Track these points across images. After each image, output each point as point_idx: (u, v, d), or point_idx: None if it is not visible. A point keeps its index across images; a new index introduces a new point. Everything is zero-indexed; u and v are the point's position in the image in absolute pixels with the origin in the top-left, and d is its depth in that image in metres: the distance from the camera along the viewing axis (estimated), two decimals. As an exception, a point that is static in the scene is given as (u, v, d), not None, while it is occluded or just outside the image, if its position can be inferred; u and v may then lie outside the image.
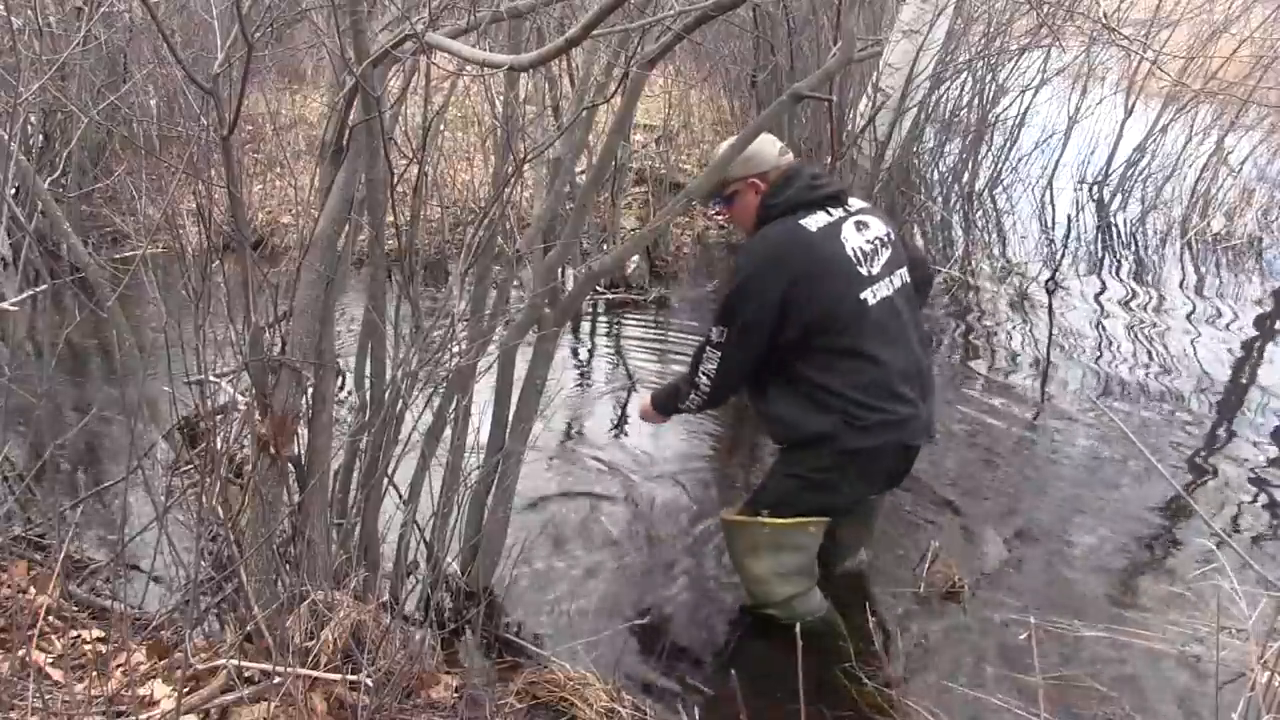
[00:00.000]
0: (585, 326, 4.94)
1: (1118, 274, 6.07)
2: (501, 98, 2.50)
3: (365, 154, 1.98)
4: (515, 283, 2.55)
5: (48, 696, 1.70)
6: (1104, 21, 4.24)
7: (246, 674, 1.87)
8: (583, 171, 3.37)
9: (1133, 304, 5.48)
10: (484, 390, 2.54)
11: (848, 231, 2.35)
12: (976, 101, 6.97)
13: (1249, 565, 2.30)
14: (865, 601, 2.69)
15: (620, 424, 3.81)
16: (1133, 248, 6.74)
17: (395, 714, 1.90)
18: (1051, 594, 2.76)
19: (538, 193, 2.73)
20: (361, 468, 2.26)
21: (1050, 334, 4.75)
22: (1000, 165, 7.60)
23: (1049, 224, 7.19)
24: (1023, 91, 6.94)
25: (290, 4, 3.47)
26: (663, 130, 7.15)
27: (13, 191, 3.65)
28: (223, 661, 1.89)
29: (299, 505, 2.11)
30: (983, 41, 6.24)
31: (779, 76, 5.26)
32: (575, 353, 4.59)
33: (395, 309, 2.29)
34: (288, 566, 2.13)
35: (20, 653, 1.82)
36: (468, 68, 1.81)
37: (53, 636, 2.10)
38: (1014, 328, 5.02)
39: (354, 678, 1.84)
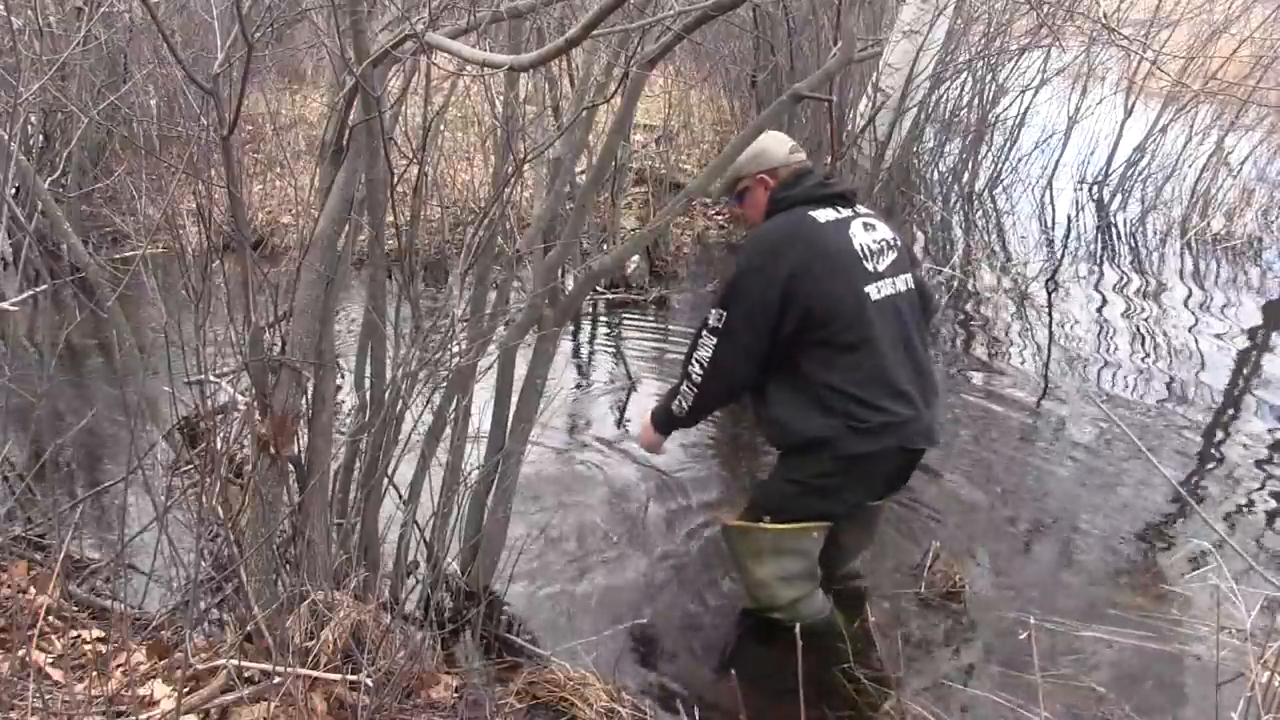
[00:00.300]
0: (585, 326, 4.94)
1: (1117, 274, 6.07)
2: (501, 98, 2.50)
3: (365, 154, 1.98)
4: (515, 283, 2.55)
5: (48, 696, 1.70)
6: (1104, 21, 4.24)
7: (246, 674, 1.87)
8: (583, 171, 3.37)
9: (1133, 304, 5.48)
10: (484, 390, 2.54)
11: (855, 228, 2.35)
12: (976, 101, 6.98)
13: (1249, 565, 2.31)
14: (865, 602, 2.70)
15: (620, 424, 3.81)
16: (1133, 248, 6.74)
17: (395, 714, 1.90)
18: (1051, 594, 2.76)
19: (538, 193, 2.73)
20: (361, 468, 2.26)
21: (1050, 334, 4.75)
22: (1000, 165, 7.61)
23: (1049, 224, 7.19)
24: (1023, 91, 6.94)
25: (290, 4, 3.47)
26: (663, 130, 7.15)
27: (13, 191, 3.65)
28: (223, 661, 1.89)
29: (299, 505, 2.11)
30: (983, 41, 6.24)
31: (779, 76, 5.26)
32: (575, 353, 4.59)
33: (395, 309, 2.28)
34: (288, 566, 2.13)
35: (20, 653, 1.82)
36: (468, 68, 1.81)
37: (53, 636, 2.10)
38: (1014, 327, 5.02)
39: (354, 678, 1.84)
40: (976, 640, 2.57)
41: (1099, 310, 5.36)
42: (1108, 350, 4.70)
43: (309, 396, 2.11)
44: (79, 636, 2.12)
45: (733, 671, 2.42)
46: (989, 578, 2.83)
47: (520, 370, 2.52)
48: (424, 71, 2.27)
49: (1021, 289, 5.63)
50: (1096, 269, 6.13)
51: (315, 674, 1.83)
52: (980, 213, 7.38)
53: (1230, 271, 6.25)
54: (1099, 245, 6.72)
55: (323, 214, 1.99)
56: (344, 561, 2.18)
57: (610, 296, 5.17)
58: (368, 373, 2.29)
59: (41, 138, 5.17)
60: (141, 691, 1.85)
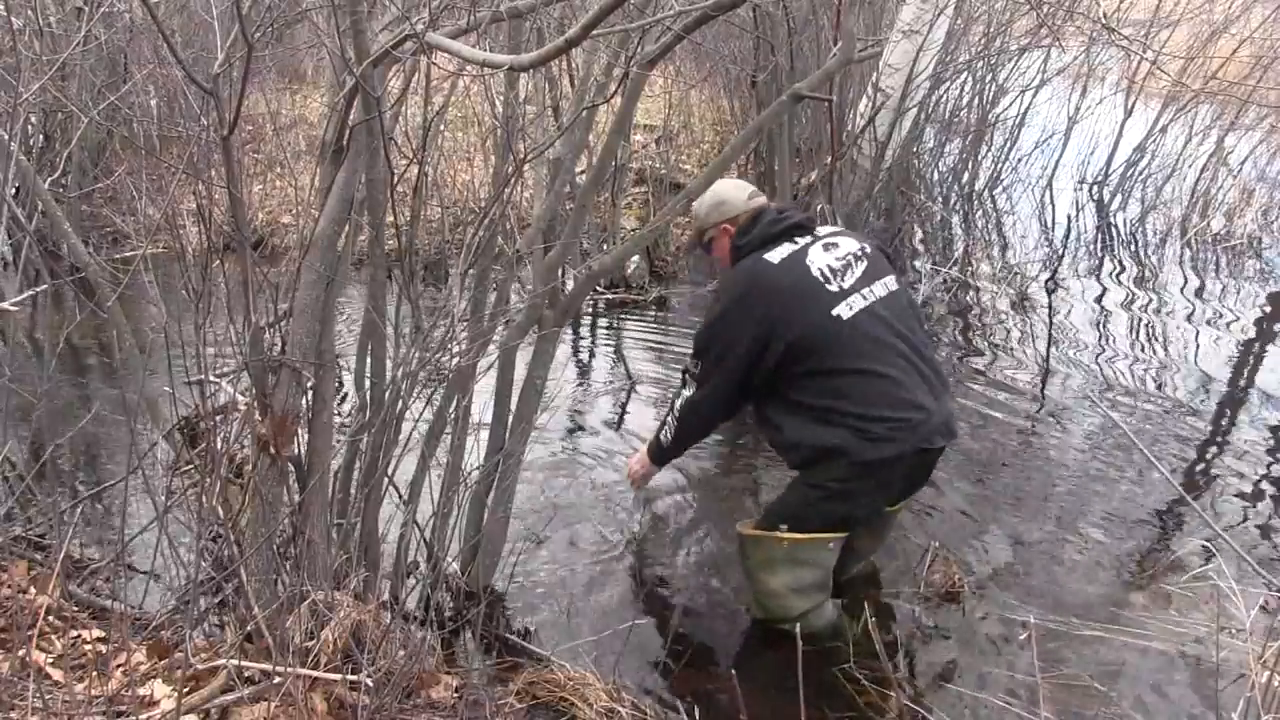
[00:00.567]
0: (585, 326, 4.94)
1: (1117, 274, 6.07)
2: (501, 98, 2.50)
3: (365, 154, 1.98)
4: (515, 283, 2.56)
5: (48, 696, 1.70)
6: (1104, 21, 4.24)
7: (246, 674, 1.87)
8: (583, 171, 3.37)
9: (1132, 304, 5.48)
10: (484, 390, 2.54)
11: (814, 254, 2.40)
12: (976, 101, 6.98)
13: (1249, 565, 2.31)
14: (865, 602, 2.69)
15: (620, 424, 3.81)
16: (1133, 248, 6.75)
17: (395, 714, 1.90)
18: (1051, 594, 2.76)
19: (538, 193, 2.73)
20: (361, 468, 2.26)
21: (1050, 334, 4.75)
22: (1000, 165, 7.61)
23: (1049, 224, 7.19)
24: (1023, 91, 6.94)
25: (290, 4, 3.47)
26: (663, 130, 7.15)
27: (13, 191, 3.65)
28: (223, 661, 1.89)
29: (299, 505, 2.11)
30: (983, 41, 6.24)
31: (779, 76, 5.25)
32: (575, 353, 4.60)
33: (395, 309, 2.28)
34: (288, 566, 2.13)
35: (20, 653, 1.82)
36: (468, 68, 1.81)
37: (53, 636, 2.09)
38: (1014, 328, 5.02)
39: (354, 678, 1.84)
40: (976, 640, 2.57)
41: (1099, 310, 5.36)
42: (1107, 350, 4.70)
43: (309, 396, 2.11)
44: (79, 636, 2.11)
45: (733, 671, 2.42)
46: (989, 578, 2.83)
47: (520, 370, 2.52)
48: (424, 71, 2.27)
49: (1021, 289, 5.63)
50: (1096, 269, 6.13)
51: (315, 674, 1.83)
52: (980, 213, 7.38)
53: (1230, 271, 6.25)
54: (1099, 245, 6.72)
55: (323, 214, 1.99)
56: (344, 561, 2.18)
57: (610, 296, 5.17)
58: (368, 373, 2.29)
59: (41, 138, 5.17)
60: (141, 691, 1.85)
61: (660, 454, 2.67)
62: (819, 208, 5.10)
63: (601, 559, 2.91)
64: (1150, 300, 5.55)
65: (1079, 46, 6.90)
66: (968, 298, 5.49)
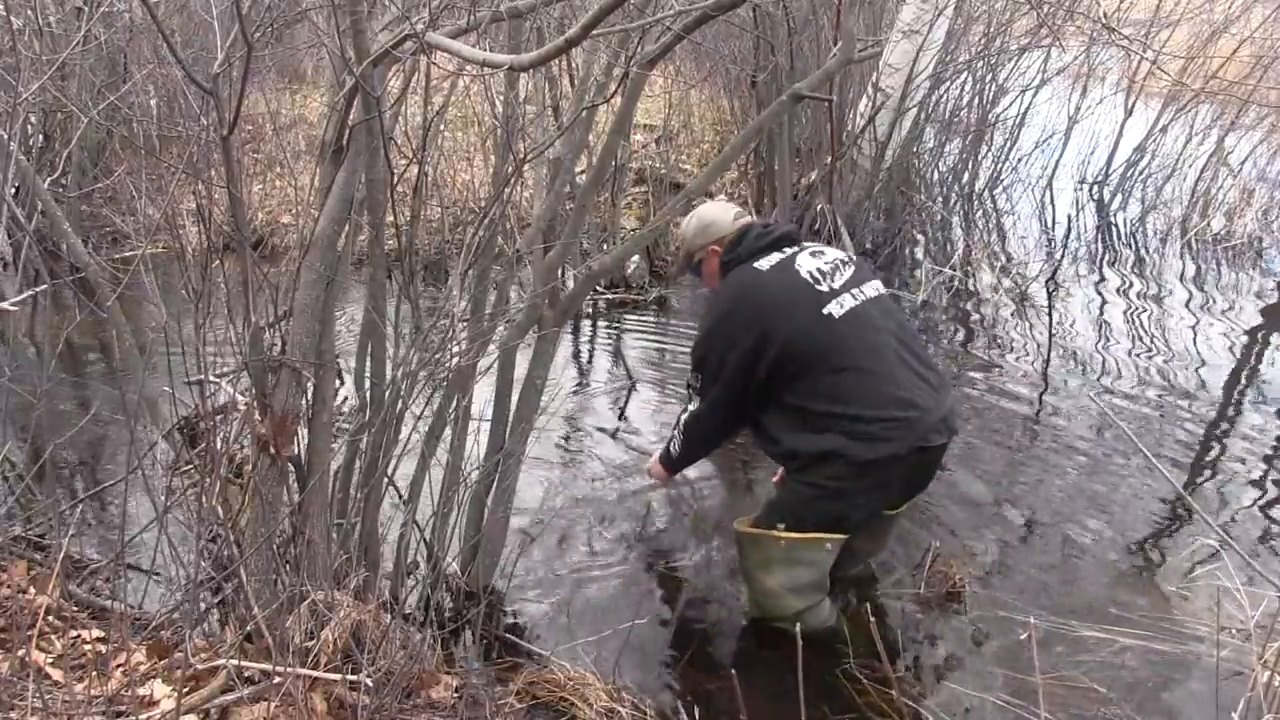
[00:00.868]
0: (585, 326, 4.94)
1: (1117, 274, 6.07)
2: (501, 98, 2.50)
3: (365, 154, 1.98)
4: (515, 283, 2.56)
5: (48, 696, 1.70)
6: (1104, 21, 4.24)
7: (246, 674, 1.87)
8: (583, 171, 3.37)
9: (1133, 304, 5.48)
10: (484, 390, 2.54)
11: (802, 259, 2.45)
12: (976, 101, 6.98)
13: (1249, 565, 2.31)
14: (865, 602, 2.70)
15: (620, 424, 3.81)
16: (1133, 247, 6.75)
17: (395, 714, 1.90)
18: (1051, 594, 2.76)
19: (538, 193, 2.73)
20: (361, 468, 2.26)
21: (1050, 334, 4.75)
22: (1000, 165, 7.60)
23: (1049, 224, 7.19)
24: (1023, 91, 6.94)
25: (290, 4, 3.47)
26: (663, 130, 7.15)
27: (13, 191, 3.65)
28: (223, 661, 1.89)
29: (299, 505, 2.11)
30: (983, 41, 6.24)
31: (779, 76, 5.25)
32: (575, 353, 4.60)
33: (395, 309, 2.28)
34: (288, 566, 2.13)
35: (20, 653, 1.82)
36: (468, 68, 1.81)
37: (53, 636, 2.09)
38: (1014, 327, 5.02)
39: (354, 678, 1.84)
40: (976, 640, 2.57)
41: (1099, 310, 5.36)
42: (1108, 350, 4.70)
43: (309, 396, 2.11)
44: (79, 636, 2.11)
45: (733, 671, 2.42)
46: (989, 578, 2.83)
47: (520, 370, 2.52)
48: (424, 71, 2.27)
49: (1021, 289, 5.63)
50: (1096, 269, 6.13)
51: (315, 674, 1.83)
52: (980, 213, 7.38)
53: (1230, 271, 6.25)
54: (1099, 245, 6.72)
55: (323, 214, 1.99)
56: (344, 561, 2.18)
57: (610, 296, 5.17)
58: (368, 373, 2.29)
59: (41, 138, 5.17)
60: (141, 691, 1.85)
61: (671, 464, 2.72)
62: (819, 207, 5.10)
63: (601, 559, 2.91)
64: (1150, 300, 5.55)
65: (1079, 46, 6.90)
66: (968, 298, 5.49)
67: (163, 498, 2.28)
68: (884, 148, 5.41)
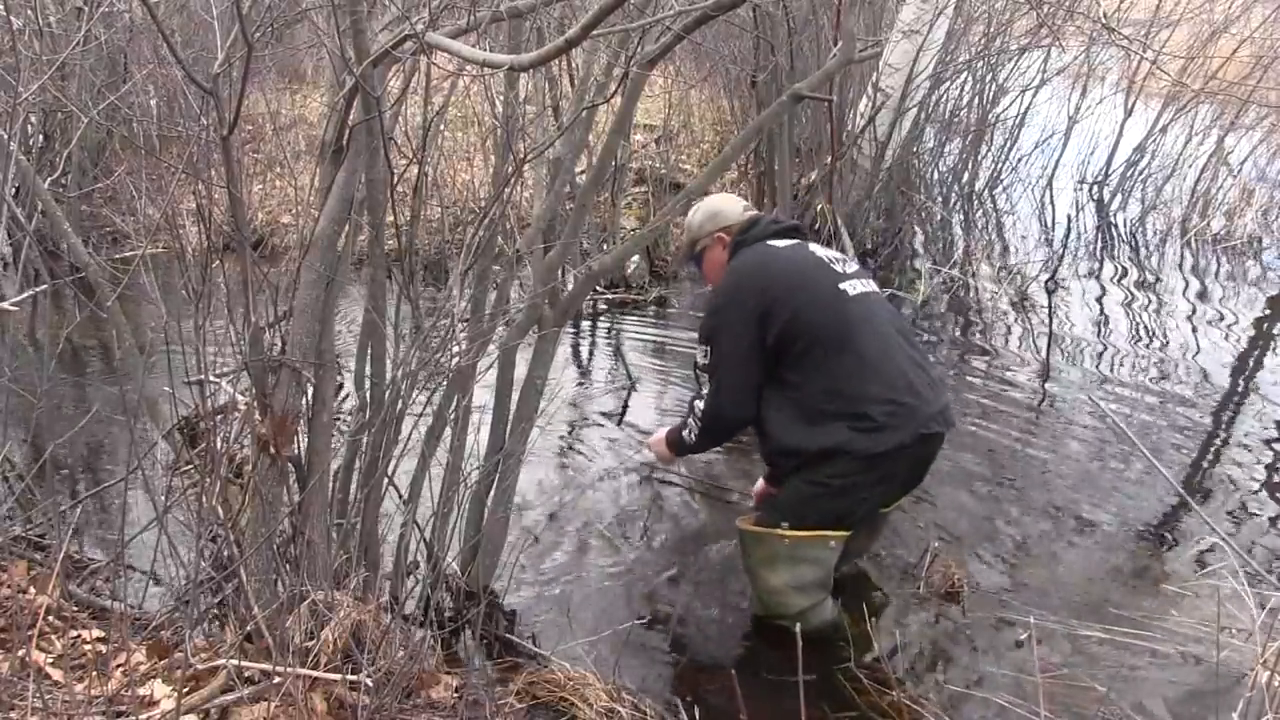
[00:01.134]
0: (585, 326, 4.94)
1: (1118, 274, 6.07)
2: (501, 98, 2.50)
3: (365, 154, 1.98)
4: (515, 283, 2.56)
5: (48, 696, 1.70)
6: (1104, 21, 4.24)
7: (246, 674, 1.87)
8: (583, 171, 3.37)
9: (1133, 304, 5.48)
10: (484, 390, 2.54)
11: (813, 247, 2.51)
12: (976, 101, 6.98)
13: (1249, 565, 2.31)
14: (865, 602, 2.69)
15: (620, 424, 3.81)
16: (1133, 248, 6.75)
17: (395, 714, 1.90)
18: (1051, 594, 2.76)
19: (538, 193, 2.73)
20: (361, 468, 2.26)
21: (1050, 334, 4.75)
22: (1000, 165, 7.61)
23: (1049, 224, 7.19)
24: (1023, 91, 6.94)
25: (290, 4, 3.47)
26: (663, 130, 7.15)
27: (13, 191, 3.65)
28: (223, 661, 1.89)
29: (299, 505, 2.11)
30: (983, 41, 6.24)
31: (779, 76, 5.26)
32: (575, 353, 4.60)
33: (395, 309, 2.28)
34: (288, 566, 2.13)
35: (20, 653, 1.82)
36: (468, 68, 1.81)
37: (53, 636, 2.09)
38: (1014, 328, 5.02)
39: (354, 678, 1.84)
40: (976, 640, 2.57)
41: (1099, 310, 5.36)
42: (1107, 350, 4.70)
43: (309, 396, 2.11)
44: (79, 636, 2.11)
45: (733, 671, 2.42)
46: (989, 578, 2.83)
47: (520, 370, 2.52)
48: (424, 71, 2.27)
49: (1021, 289, 5.63)
50: (1097, 269, 6.13)
51: (315, 674, 1.83)
52: (980, 213, 7.38)
53: (1230, 271, 6.25)
54: (1099, 245, 6.72)
55: (323, 214, 1.99)
56: (344, 561, 2.18)
57: (610, 296, 5.17)
58: (368, 373, 2.29)
59: (41, 138, 5.17)
60: (141, 691, 1.85)
61: (681, 449, 2.63)
62: (819, 207, 5.10)
63: (601, 559, 2.91)
64: (1150, 300, 5.55)
65: (1079, 46, 6.91)
66: (968, 298, 5.49)
67: (163, 498, 2.28)
68: (884, 148, 5.41)
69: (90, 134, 5.35)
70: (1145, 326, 5.10)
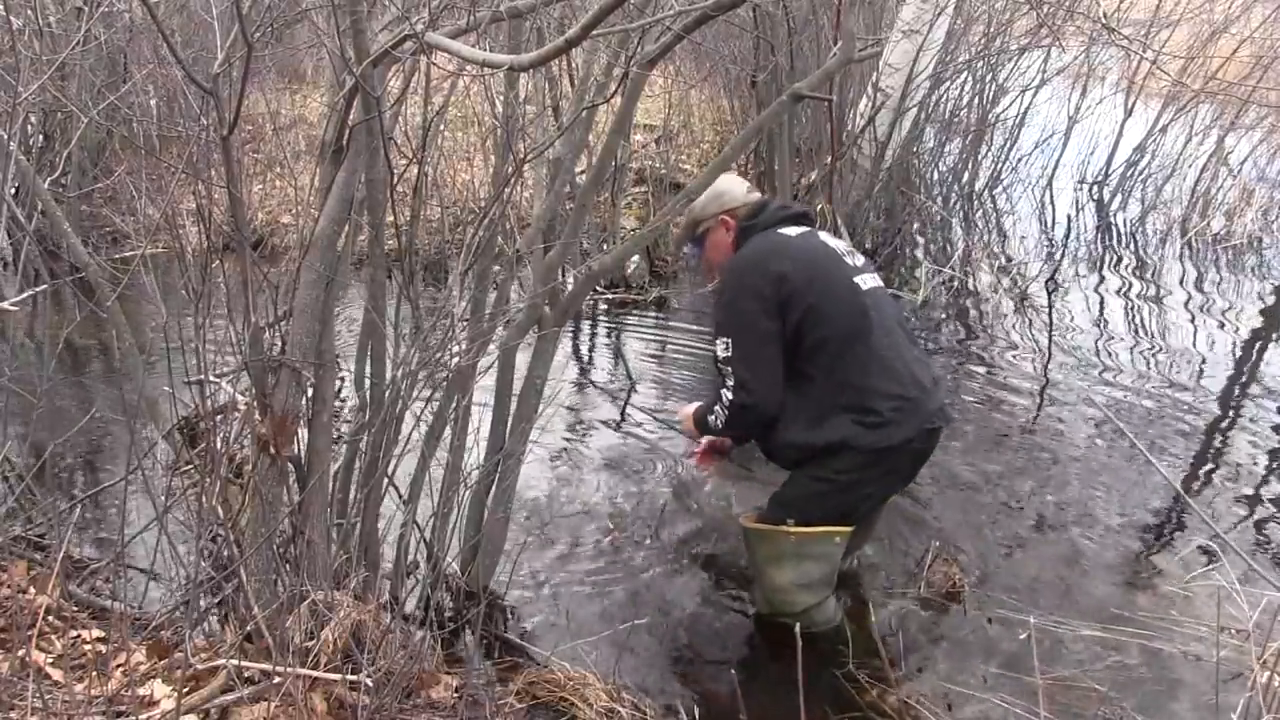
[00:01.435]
0: (585, 326, 4.94)
1: (1118, 274, 6.07)
2: (501, 98, 2.50)
3: (365, 154, 1.98)
4: (515, 283, 2.56)
5: (48, 696, 1.70)
6: (1104, 21, 4.24)
7: (246, 674, 1.87)
8: (583, 171, 3.37)
9: (1132, 304, 5.48)
10: (484, 390, 2.54)
11: (824, 236, 2.49)
12: (976, 101, 6.98)
13: (1249, 565, 2.31)
14: (866, 602, 2.69)
15: (620, 424, 3.81)
16: (1133, 247, 6.75)
17: (395, 714, 1.90)
18: (1051, 594, 2.76)
19: (538, 193, 2.73)
20: (361, 468, 2.26)
21: (1050, 334, 4.75)
22: (1000, 165, 7.61)
23: (1049, 224, 7.19)
24: (1023, 91, 6.94)
25: (290, 4, 3.47)
26: (663, 130, 7.15)
27: (13, 191, 3.65)
28: (223, 661, 1.89)
29: (299, 505, 2.11)
30: (983, 41, 6.24)
31: (779, 76, 5.26)
32: (575, 353, 4.60)
33: (395, 309, 2.28)
34: (288, 566, 2.13)
35: (20, 653, 1.82)
36: (468, 68, 1.81)
37: (53, 636, 2.09)
38: (1014, 328, 5.02)
39: (354, 678, 1.84)
40: (976, 640, 2.57)
41: (1099, 310, 5.36)
42: (1107, 350, 4.70)
43: (309, 396, 2.11)
44: (79, 636, 2.11)
45: (733, 671, 2.42)
46: (989, 578, 2.83)
47: (520, 370, 2.52)
48: (424, 71, 2.27)
49: (1021, 289, 5.63)
50: (1096, 269, 6.13)
51: (315, 674, 1.83)
52: (980, 213, 7.38)
53: (1230, 271, 6.25)
54: (1099, 245, 6.72)
55: (323, 214, 1.99)
56: (344, 561, 2.18)
57: (610, 296, 5.17)
58: (368, 373, 2.29)
59: (41, 138, 5.17)
60: (141, 691, 1.85)
61: (705, 431, 2.53)
62: (819, 208, 5.10)
63: (602, 559, 2.91)
64: (1150, 300, 5.55)
65: (1079, 46, 6.91)
66: (968, 298, 5.49)
67: (163, 498, 2.27)
68: (884, 148, 5.41)
69: (90, 134, 5.35)
70: (1145, 326, 5.10)
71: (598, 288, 5.16)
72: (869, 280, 2.40)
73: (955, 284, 5.58)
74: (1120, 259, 6.43)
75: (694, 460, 2.86)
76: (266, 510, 2.03)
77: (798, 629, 1.62)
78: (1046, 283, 5.74)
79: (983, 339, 4.87)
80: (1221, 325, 5.15)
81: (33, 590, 2.22)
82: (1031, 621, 2.43)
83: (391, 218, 2.17)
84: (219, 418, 2.83)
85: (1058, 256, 6.25)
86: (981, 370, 4.42)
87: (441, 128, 3.93)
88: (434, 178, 4.69)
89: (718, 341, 2.36)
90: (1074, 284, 5.78)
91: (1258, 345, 4.92)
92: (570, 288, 2.66)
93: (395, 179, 2.10)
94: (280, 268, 4.71)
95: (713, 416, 2.44)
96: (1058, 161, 7.82)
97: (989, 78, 6.78)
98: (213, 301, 2.05)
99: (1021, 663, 2.43)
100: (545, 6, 1.79)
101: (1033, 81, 6.89)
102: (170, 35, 2.03)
